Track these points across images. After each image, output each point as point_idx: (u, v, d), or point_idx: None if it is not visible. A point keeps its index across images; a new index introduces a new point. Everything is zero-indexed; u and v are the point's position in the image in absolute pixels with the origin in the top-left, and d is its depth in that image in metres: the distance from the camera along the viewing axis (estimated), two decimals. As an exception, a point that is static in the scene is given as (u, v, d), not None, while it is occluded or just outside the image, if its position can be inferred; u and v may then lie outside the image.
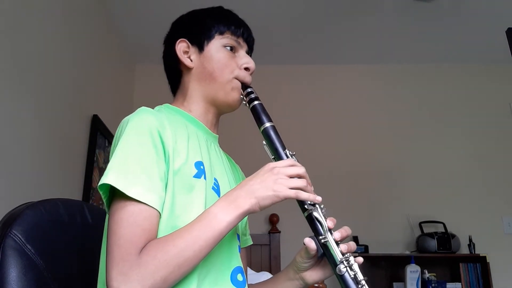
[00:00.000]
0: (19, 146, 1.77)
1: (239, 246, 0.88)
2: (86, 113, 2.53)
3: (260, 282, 0.97)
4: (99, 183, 0.72)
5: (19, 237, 0.72)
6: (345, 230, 0.79)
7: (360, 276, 0.73)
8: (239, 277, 0.81)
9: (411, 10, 2.85)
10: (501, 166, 3.24)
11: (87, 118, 2.54)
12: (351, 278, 0.73)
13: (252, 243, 1.03)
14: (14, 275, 0.69)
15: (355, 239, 3.02)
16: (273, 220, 3.09)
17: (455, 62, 3.46)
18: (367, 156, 3.30)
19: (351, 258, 0.75)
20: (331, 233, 0.77)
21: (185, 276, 0.71)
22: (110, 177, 0.70)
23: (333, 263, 0.76)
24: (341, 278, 0.74)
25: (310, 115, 3.44)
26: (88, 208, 0.94)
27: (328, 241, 0.76)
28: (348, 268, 0.74)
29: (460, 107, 3.41)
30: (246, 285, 0.83)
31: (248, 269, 2.22)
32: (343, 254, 0.75)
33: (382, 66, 3.53)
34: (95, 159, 2.52)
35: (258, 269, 2.65)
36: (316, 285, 1.29)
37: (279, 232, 3.08)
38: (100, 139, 2.61)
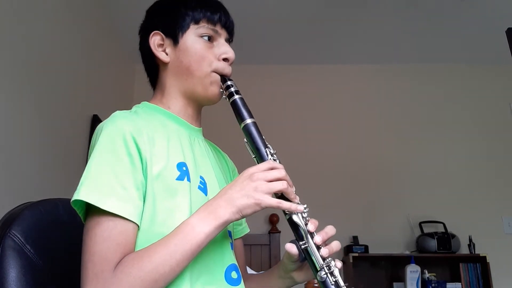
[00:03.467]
0: (19, 146, 1.77)
1: (232, 243, 0.87)
2: (86, 113, 2.53)
3: (255, 275, 0.96)
4: (71, 200, 0.69)
5: (18, 237, 0.72)
6: (326, 233, 0.76)
7: (341, 282, 0.72)
8: (234, 275, 0.80)
9: (411, 10, 2.85)
10: (501, 166, 3.23)
11: (87, 118, 2.54)
12: (332, 284, 0.72)
13: (249, 231, 1.01)
14: (13, 275, 0.69)
15: (355, 239, 3.02)
16: (273, 220, 3.09)
17: (455, 62, 3.46)
18: (367, 156, 3.30)
19: (332, 263, 0.73)
20: (312, 237, 0.74)
21: (174, 281, 0.70)
22: (82, 192, 0.68)
23: (314, 269, 0.74)
24: (322, 284, 0.73)
25: (310, 114, 3.44)
26: (88, 208, 0.94)
27: (308, 246, 0.74)
28: (328, 274, 0.72)
29: (460, 107, 3.41)
30: (242, 281, 0.82)
31: (248, 269, 2.22)
32: (324, 259, 0.73)
33: (382, 66, 3.53)
34: (95, 159, 2.52)
35: (258, 269, 2.65)
36: (315, 284, 1.29)
37: (279, 232, 3.07)
38: (100, 139, 2.61)
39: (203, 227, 0.70)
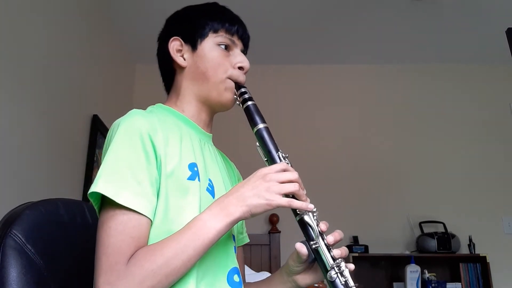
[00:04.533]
0: (20, 146, 1.77)
1: (235, 247, 0.88)
2: (86, 113, 2.53)
3: (255, 282, 0.96)
4: (89, 192, 0.71)
5: (19, 237, 0.72)
6: (338, 234, 0.78)
7: (351, 283, 0.72)
8: (236, 278, 0.81)
9: (411, 10, 2.86)
10: (501, 166, 3.23)
11: (87, 118, 2.54)
12: (342, 284, 0.72)
13: (249, 241, 1.02)
14: (14, 275, 0.69)
15: (355, 239, 3.02)
16: (273, 220, 3.09)
17: (455, 62, 3.46)
18: (367, 156, 3.30)
19: (342, 264, 0.73)
20: (323, 238, 0.76)
21: (180, 279, 0.70)
22: (100, 184, 0.69)
23: (324, 269, 0.75)
24: (331, 284, 0.73)
25: (310, 115, 3.44)
26: (88, 208, 0.94)
27: (319, 246, 0.75)
28: (338, 274, 0.73)
29: (460, 107, 3.41)
30: (243, 285, 0.83)
31: (248, 269, 2.23)
32: (334, 259, 0.74)
33: (382, 66, 3.53)
34: (95, 159, 2.52)
35: (258, 269, 2.65)
36: (316, 285, 1.29)
37: (279, 232, 3.08)
38: (100, 139, 2.61)
39: (215, 223, 0.71)
